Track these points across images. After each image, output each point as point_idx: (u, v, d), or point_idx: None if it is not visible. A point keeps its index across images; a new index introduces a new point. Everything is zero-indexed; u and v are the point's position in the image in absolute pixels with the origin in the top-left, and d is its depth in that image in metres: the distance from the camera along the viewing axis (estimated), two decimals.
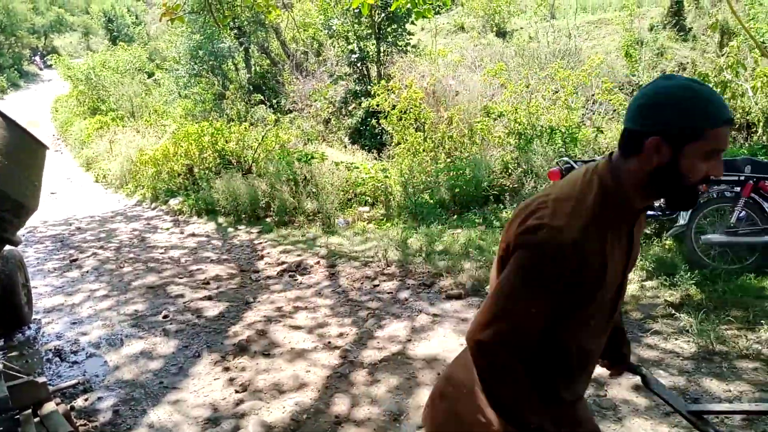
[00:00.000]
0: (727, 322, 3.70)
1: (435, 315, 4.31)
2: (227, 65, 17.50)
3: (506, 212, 6.37)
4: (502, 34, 16.18)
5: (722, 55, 8.63)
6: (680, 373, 3.25)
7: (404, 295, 4.76)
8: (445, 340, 3.90)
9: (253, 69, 17.23)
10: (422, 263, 5.29)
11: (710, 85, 7.07)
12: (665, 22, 13.09)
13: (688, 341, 3.56)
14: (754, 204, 4.36)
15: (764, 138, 7.03)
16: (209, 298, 5.09)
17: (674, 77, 1.21)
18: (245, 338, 4.12)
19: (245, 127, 10.26)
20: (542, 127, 7.50)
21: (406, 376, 3.49)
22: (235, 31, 16.08)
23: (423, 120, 8.57)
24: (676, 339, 3.62)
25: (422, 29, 16.01)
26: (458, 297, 4.58)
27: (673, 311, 3.92)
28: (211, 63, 16.73)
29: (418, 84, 9.47)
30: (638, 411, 2.95)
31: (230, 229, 7.82)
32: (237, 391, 3.44)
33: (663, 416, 2.88)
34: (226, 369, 3.74)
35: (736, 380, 3.13)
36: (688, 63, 11.32)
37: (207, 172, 9.58)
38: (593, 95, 9.15)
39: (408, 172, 7.80)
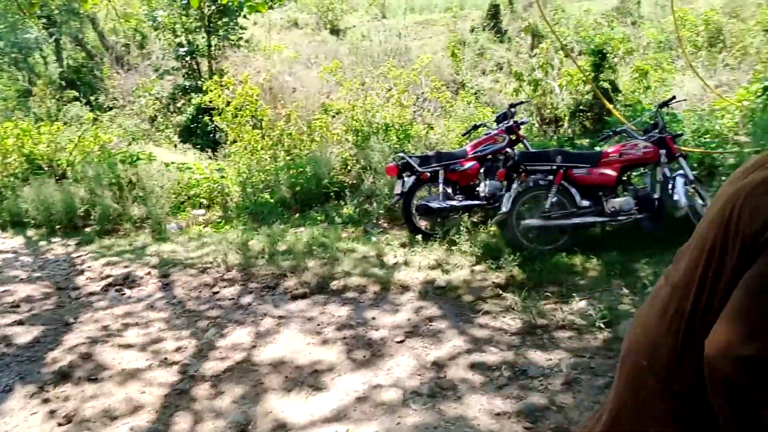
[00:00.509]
0: (546, 298, 4.11)
1: (280, 317, 4.23)
2: (34, 58, 15.60)
3: (347, 208, 6.45)
4: (335, 31, 16.40)
5: (534, 56, 9.59)
6: (508, 348, 3.53)
7: (247, 299, 4.60)
8: (292, 342, 3.84)
9: (65, 62, 15.54)
10: (265, 265, 5.16)
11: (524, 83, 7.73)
12: (484, 24, 14.23)
13: (514, 318, 3.88)
14: (564, 190, 4.88)
15: (570, 131, 7.93)
16: (20, 322, 4.47)
17: None
18: (67, 364, 3.69)
19: (57, 127, 9.20)
20: (378, 124, 7.73)
21: (252, 383, 3.38)
22: (44, 20, 14.37)
23: (260, 117, 8.39)
24: (504, 317, 3.93)
25: (255, 24, 15.65)
26: (303, 296, 4.54)
27: (500, 291, 4.25)
28: (14, 55, 14.79)
29: (254, 80, 9.25)
30: (475, 388, 3.14)
31: (42, 243, 6.94)
32: (60, 424, 3.07)
33: (497, 389, 3.10)
34: (46, 401, 3.31)
35: (556, 349, 3.47)
36: (504, 62, 12.41)
37: (12, 179, 8.43)
38: (423, 93, 9.64)
39: (246, 171, 7.58)
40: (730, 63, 10.14)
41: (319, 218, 6.43)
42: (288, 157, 8.03)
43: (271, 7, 11.85)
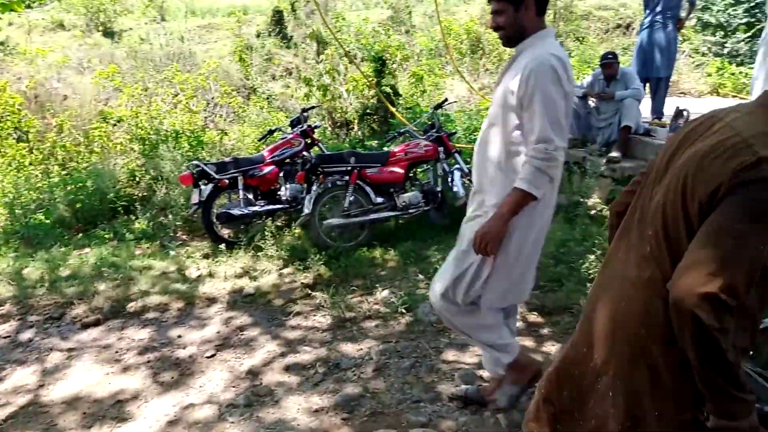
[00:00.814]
0: (352, 292, 4.32)
1: (70, 349, 3.80)
2: None
3: (139, 223, 6.01)
4: (109, 34, 15.04)
5: (320, 62, 9.90)
6: (321, 344, 3.65)
7: (27, 335, 4.05)
8: (87, 374, 3.49)
9: None
10: (46, 294, 4.58)
11: (314, 89, 7.96)
12: (269, 29, 14.25)
13: (325, 315, 4.02)
14: (360, 189, 5.16)
15: (360, 133, 8.38)
16: None
17: None
18: None
19: None
20: (167, 131, 7.32)
21: (44, 426, 3.01)
22: None
23: (26, 128, 7.43)
24: (315, 315, 4.04)
25: (11, 24, 13.69)
26: (96, 323, 4.13)
27: (309, 291, 4.36)
28: None
29: (15, 87, 8.14)
30: (292, 389, 3.19)
31: None
32: None
33: (313, 387, 3.20)
34: None
35: (365, 339, 3.68)
36: (293, 68, 12.60)
37: None
38: (213, 98, 9.37)
39: (12, 190, 6.61)
40: (490, 68, 11.61)
41: (107, 236, 5.88)
42: (64, 172, 7.19)
43: (29, 6, 10.46)
